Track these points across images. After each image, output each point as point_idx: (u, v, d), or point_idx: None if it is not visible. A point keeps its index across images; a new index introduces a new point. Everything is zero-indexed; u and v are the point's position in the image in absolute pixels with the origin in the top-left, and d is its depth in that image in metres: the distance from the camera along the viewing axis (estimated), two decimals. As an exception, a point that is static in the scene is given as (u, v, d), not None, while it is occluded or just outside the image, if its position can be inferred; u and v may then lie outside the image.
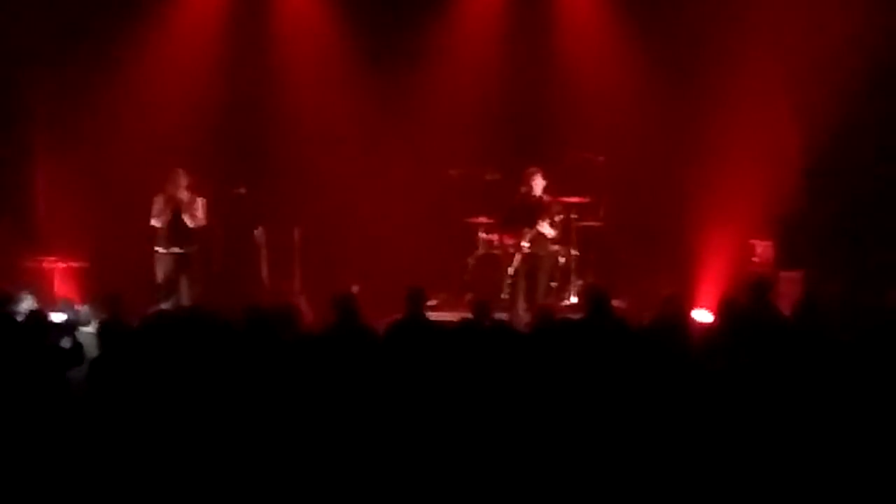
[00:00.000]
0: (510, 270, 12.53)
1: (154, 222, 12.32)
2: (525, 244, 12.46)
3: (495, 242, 13.04)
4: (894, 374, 7.29)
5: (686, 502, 6.78)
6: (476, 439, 7.04)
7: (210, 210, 12.58)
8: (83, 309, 9.51)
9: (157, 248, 12.38)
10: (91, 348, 8.27)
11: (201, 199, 12.47)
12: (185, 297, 12.20)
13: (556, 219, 12.71)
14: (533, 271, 12.53)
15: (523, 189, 12.60)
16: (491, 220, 13.16)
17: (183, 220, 12.30)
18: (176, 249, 12.33)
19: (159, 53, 13.77)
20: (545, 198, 12.58)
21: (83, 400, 7.63)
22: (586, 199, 13.29)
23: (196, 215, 12.38)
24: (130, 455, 7.04)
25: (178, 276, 12.33)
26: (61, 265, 13.01)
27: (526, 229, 12.48)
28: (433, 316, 10.18)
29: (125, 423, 7.21)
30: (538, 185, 12.53)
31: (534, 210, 12.53)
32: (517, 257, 12.49)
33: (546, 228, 12.47)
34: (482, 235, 13.27)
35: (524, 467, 6.91)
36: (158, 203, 12.32)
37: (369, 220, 13.70)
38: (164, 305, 11.79)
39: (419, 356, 7.83)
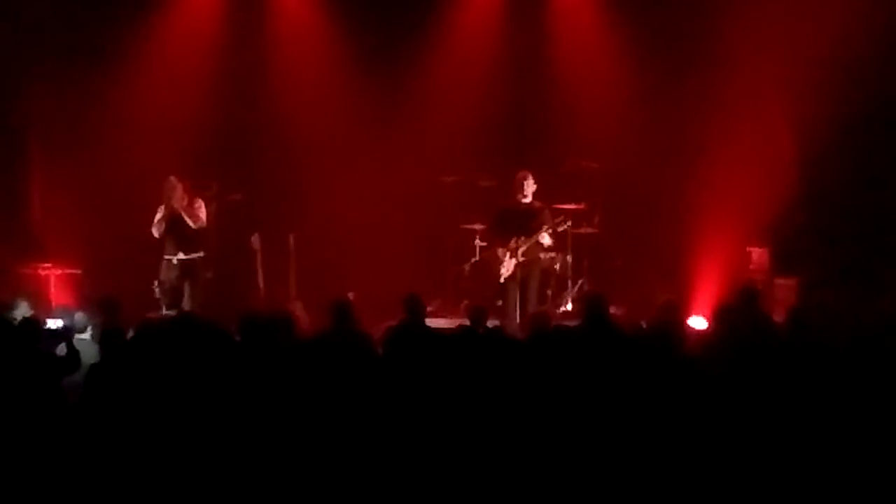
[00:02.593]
0: (501, 278, 12.43)
1: (153, 232, 12.32)
2: (521, 252, 12.35)
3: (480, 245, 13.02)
4: (886, 382, 7.31)
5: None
6: (472, 446, 7.05)
7: (206, 216, 12.58)
8: (79, 315, 9.48)
9: (164, 256, 12.38)
10: (87, 355, 8.26)
11: (200, 199, 12.48)
12: (188, 303, 12.19)
13: (560, 229, 12.67)
14: (526, 278, 12.45)
15: (517, 195, 12.47)
16: (485, 227, 13.12)
17: (185, 227, 12.29)
18: (181, 256, 12.33)
19: (154, 60, 13.77)
20: (537, 203, 12.51)
21: (81, 406, 7.63)
22: (581, 206, 13.29)
23: (198, 216, 12.39)
24: (126, 461, 7.04)
25: (181, 283, 12.33)
26: (57, 272, 13.01)
27: (522, 238, 12.37)
28: (429, 322, 10.18)
29: (122, 428, 7.21)
30: (530, 189, 12.45)
31: (526, 216, 12.41)
32: (510, 265, 12.38)
33: (546, 238, 12.38)
34: (478, 242, 13.27)
35: (520, 473, 6.92)
36: (158, 213, 12.32)
37: (365, 226, 13.70)
38: (166, 311, 11.79)
39: (416, 362, 7.84)
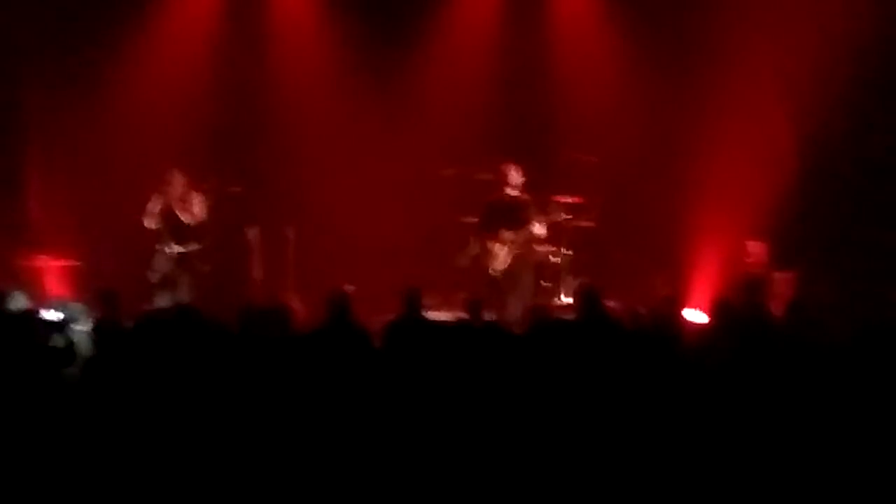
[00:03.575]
0: (495, 272, 12.36)
1: (145, 223, 12.27)
2: (515, 244, 12.29)
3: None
4: (885, 377, 7.31)
5: (678, 501, 6.80)
6: (470, 440, 7.05)
7: (204, 209, 12.55)
8: (76, 307, 9.49)
9: (158, 247, 12.33)
10: (84, 347, 8.25)
11: (198, 194, 12.44)
12: (184, 295, 12.16)
13: (557, 220, 12.61)
14: (521, 271, 12.39)
15: (503, 188, 12.32)
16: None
17: (181, 219, 12.27)
18: (177, 248, 12.30)
19: (153, 52, 13.76)
20: (524, 196, 12.40)
21: (76, 399, 7.62)
22: (579, 200, 13.28)
23: (192, 211, 12.35)
24: (122, 455, 7.03)
25: (177, 276, 12.30)
26: (54, 263, 12.99)
27: (512, 230, 12.30)
28: (427, 315, 10.17)
29: (119, 422, 7.20)
30: (516, 181, 12.34)
31: (514, 208, 12.29)
32: (505, 257, 12.32)
33: (539, 229, 12.31)
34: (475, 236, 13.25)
35: (519, 466, 6.92)
36: (151, 204, 12.28)
37: (363, 220, 13.68)
38: (160, 304, 11.76)
39: (414, 356, 7.84)
